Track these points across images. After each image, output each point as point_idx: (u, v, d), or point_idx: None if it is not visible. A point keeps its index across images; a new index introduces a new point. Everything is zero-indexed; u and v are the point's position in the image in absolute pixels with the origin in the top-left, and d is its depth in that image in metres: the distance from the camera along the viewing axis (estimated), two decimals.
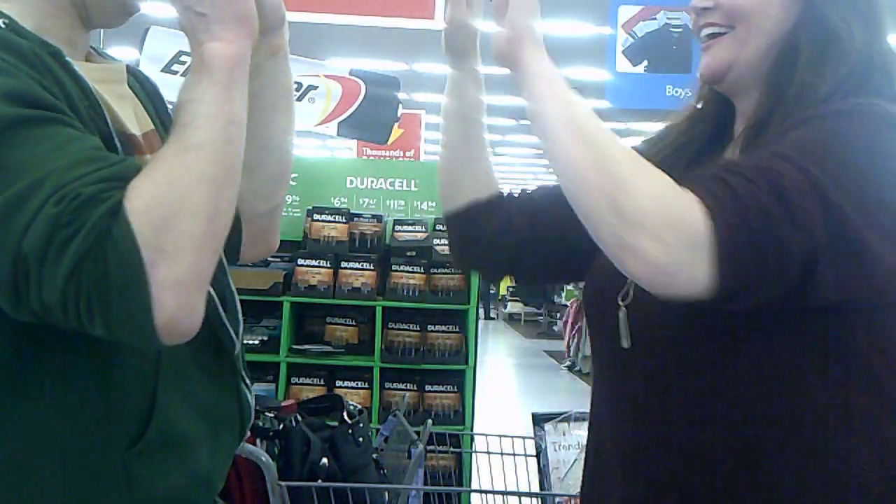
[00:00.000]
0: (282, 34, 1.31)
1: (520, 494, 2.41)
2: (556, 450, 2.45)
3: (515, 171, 24.87)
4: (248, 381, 1.27)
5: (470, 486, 3.60)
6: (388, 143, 5.72)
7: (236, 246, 1.33)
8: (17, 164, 0.93)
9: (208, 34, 1.03)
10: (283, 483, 2.14)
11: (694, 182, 1.07)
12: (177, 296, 0.92)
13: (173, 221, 0.93)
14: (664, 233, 1.02)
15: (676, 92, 6.19)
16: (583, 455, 2.43)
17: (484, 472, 2.83)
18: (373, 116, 4.43)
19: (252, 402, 1.28)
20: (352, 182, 4.74)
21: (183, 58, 4.09)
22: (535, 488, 2.55)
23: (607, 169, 1.05)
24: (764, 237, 1.03)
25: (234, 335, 1.22)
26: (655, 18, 6.16)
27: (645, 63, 6.09)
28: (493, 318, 18.41)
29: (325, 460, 2.25)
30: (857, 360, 1.15)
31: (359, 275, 4.08)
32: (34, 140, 0.95)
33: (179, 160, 0.96)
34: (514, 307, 17.94)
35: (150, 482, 1.11)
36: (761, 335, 1.14)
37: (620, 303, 1.23)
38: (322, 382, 4.07)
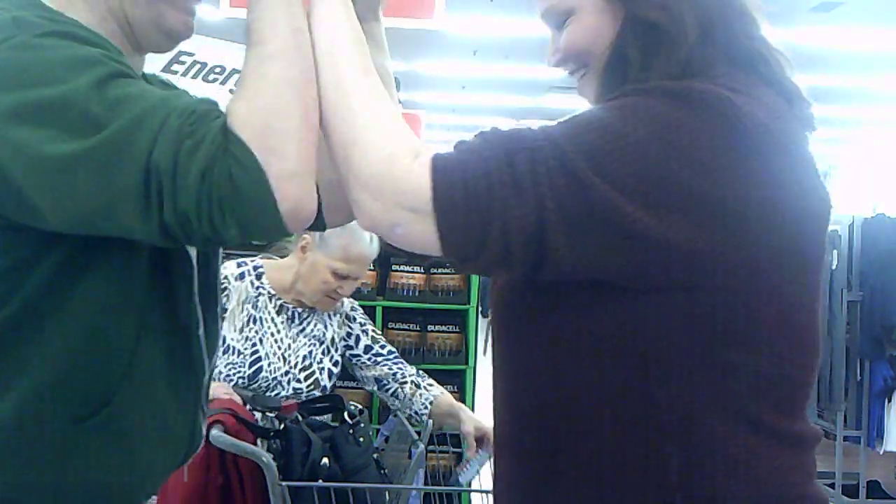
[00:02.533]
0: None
1: None
2: None
3: None
4: (204, 412, 1.34)
5: (470, 485, 3.60)
6: None
7: (319, 213, 1.37)
8: (128, 95, 1.03)
9: None
10: (283, 483, 2.14)
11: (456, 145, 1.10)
12: (293, 185, 1.03)
13: (272, 123, 1.04)
14: (385, 196, 1.07)
15: None
16: None
17: (484, 471, 2.83)
18: None
19: (202, 435, 1.34)
20: None
21: (182, 58, 4.10)
22: None
23: (346, 119, 1.10)
24: (483, 203, 1.04)
25: (206, 360, 1.30)
26: None
27: None
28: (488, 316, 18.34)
29: (325, 460, 2.25)
30: (649, 349, 1.10)
31: None
32: (133, 85, 1.06)
33: (261, 72, 1.07)
34: None
35: (85, 459, 1.16)
36: (561, 310, 1.14)
37: None
38: None
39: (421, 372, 2.95)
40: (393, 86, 1.35)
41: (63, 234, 1.08)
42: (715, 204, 1.05)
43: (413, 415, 2.84)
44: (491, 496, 2.60)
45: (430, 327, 4.13)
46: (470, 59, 11.01)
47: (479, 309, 4.17)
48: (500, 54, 10.19)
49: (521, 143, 1.06)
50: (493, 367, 1.29)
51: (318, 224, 1.40)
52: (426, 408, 2.81)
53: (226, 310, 2.70)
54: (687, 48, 1.14)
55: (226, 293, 2.72)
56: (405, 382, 2.86)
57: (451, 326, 4.14)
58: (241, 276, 2.75)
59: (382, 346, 2.92)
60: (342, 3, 1.17)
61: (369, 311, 4.13)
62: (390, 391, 2.87)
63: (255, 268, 2.80)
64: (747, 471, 1.10)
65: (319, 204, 1.36)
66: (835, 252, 5.40)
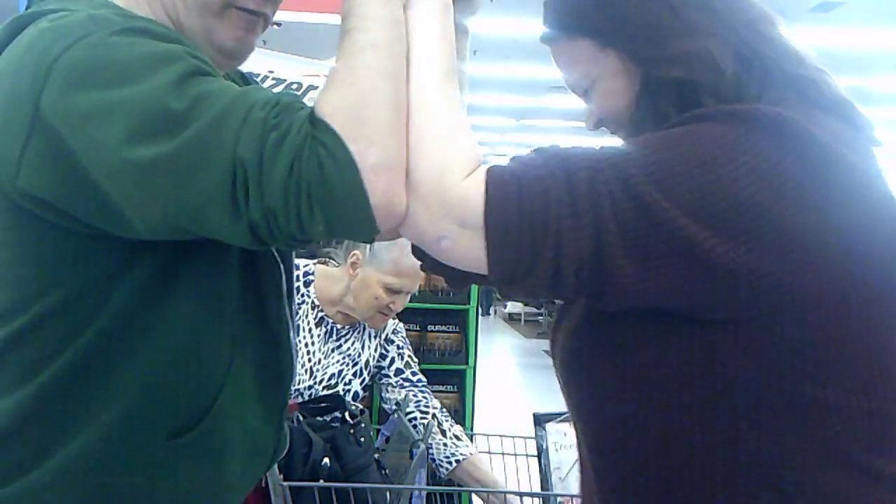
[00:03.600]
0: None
1: (521, 494, 2.41)
2: (557, 450, 2.45)
3: None
4: (285, 419, 1.30)
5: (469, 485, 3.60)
6: None
7: None
8: (209, 91, 0.99)
9: None
10: (284, 483, 2.14)
11: (512, 159, 1.06)
12: (387, 178, 0.98)
13: (368, 113, 0.99)
14: (434, 204, 1.02)
15: None
16: None
17: None
18: None
19: (286, 443, 1.30)
20: None
21: None
22: (536, 488, 2.54)
23: (418, 124, 1.05)
24: (538, 223, 0.99)
25: (294, 362, 1.27)
26: None
27: None
28: (489, 315, 18.45)
29: (326, 460, 2.25)
30: (731, 384, 1.04)
31: None
32: (212, 83, 1.02)
33: (358, 60, 1.03)
34: (514, 307, 17.93)
35: (173, 480, 1.13)
36: (630, 348, 1.09)
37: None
38: None
39: (444, 410, 2.91)
40: (466, 90, 1.30)
41: (150, 244, 1.05)
42: (791, 230, 1.00)
43: (431, 461, 2.80)
44: (491, 496, 2.60)
45: (430, 327, 4.13)
46: (470, 59, 10.99)
47: (479, 309, 4.17)
48: (500, 54, 10.19)
49: (582, 163, 1.02)
50: (570, 412, 1.23)
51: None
52: (451, 464, 2.76)
53: None
54: (726, 84, 1.11)
55: None
56: (426, 414, 2.83)
57: (451, 326, 4.14)
58: None
59: (413, 373, 2.88)
60: (445, 6, 1.13)
61: None
62: (410, 417, 2.83)
63: (306, 273, 2.75)
64: None
65: None
66: None
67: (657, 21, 1.13)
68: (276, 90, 1.32)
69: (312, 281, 2.73)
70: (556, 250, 0.99)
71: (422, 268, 1.27)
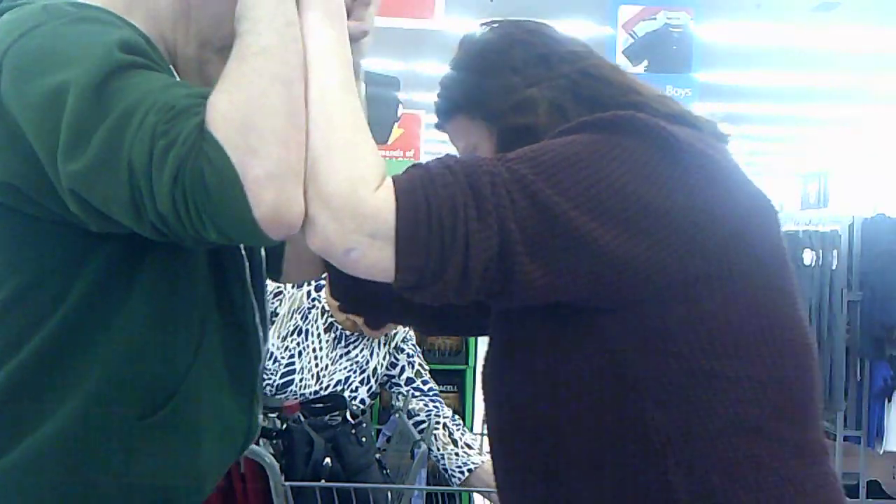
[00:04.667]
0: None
1: None
2: None
3: None
4: (259, 401, 1.32)
5: None
6: (389, 142, 5.73)
7: (278, 261, 1.37)
8: (122, 91, 0.99)
9: None
10: (286, 483, 2.15)
11: (410, 170, 1.09)
12: (273, 190, 0.97)
13: (254, 121, 0.97)
14: (344, 216, 1.03)
15: (676, 92, 6.20)
16: None
17: None
18: (373, 116, 4.43)
19: (259, 425, 1.31)
20: None
21: None
22: None
23: (322, 132, 1.05)
24: (447, 230, 1.04)
25: (262, 347, 1.29)
26: (655, 18, 6.16)
27: (645, 63, 6.10)
28: None
29: (328, 460, 2.25)
30: (633, 368, 1.11)
31: None
32: (138, 76, 1.01)
33: (248, 65, 1.01)
34: None
35: (148, 460, 1.15)
36: (540, 343, 1.16)
37: None
38: None
39: (456, 417, 2.91)
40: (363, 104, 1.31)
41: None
42: (665, 214, 1.09)
43: (442, 471, 2.79)
44: (492, 496, 2.60)
45: None
46: None
47: None
48: None
49: (483, 168, 1.08)
50: (484, 393, 1.28)
51: (274, 272, 1.37)
52: (462, 473, 2.76)
53: (276, 314, 2.65)
54: (566, 121, 1.20)
55: (279, 297, 2.68)
56: (438, 424, 2.82)
57: None
58: (300, 285, 2.68)
59: (424, 382, 2.87)
60: (338, 14, 1.13)
61: None
62: (421, 428, 2.81)
63: (318, 278, 2.69)
64: (755, 480, 1.10)
65: (282, 251, 1.36)
66: (835, 252, 5.40)
67: (503, 81, 1.27)
68: None
69: (323, 286, 2.71)
70: (465, 252, 1.04)
71: (340, 308, 1.35)
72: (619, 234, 1.07)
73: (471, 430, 3.92)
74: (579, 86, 1.25)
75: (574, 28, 9.20)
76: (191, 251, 1.15)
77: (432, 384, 2.91)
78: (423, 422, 2.82)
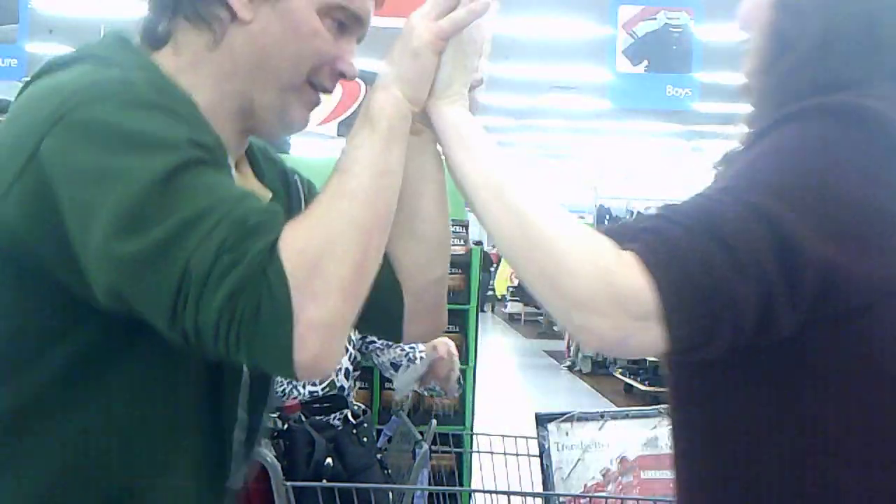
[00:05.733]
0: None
1: (524, 494, 2.42)
2: (558, 450, 2.46)
3: None
4: None
5: (470, 485, 3.61)
6: None
7: (398, 320, 1.30)
8: (191, 190, 0.97)
9: (381, 83, 1.11)
10: (287, 483, 2.15)
11: (629, 234, 1.05)
12: (320, 337, 0.95)
13: (324, 265, 0.96)
14: (611, 310, 1.01)
15: (676, 92, 6.20)
16: (585, 455, 2.45)
17: (485, 471, 2.84)
18: None
19: None
20: None
21: None
22: (537, 488, 2.55)
23: (541, 246, 1.05)
24: (711, 293, 1.01)
25: (242, 467, 1.23)
26: (655, 18, 6.16)
27: (645, 63, 6.10)
28: (484, 311, 18.53)
29: (329, 460, 2.26)
30: (835, 379, 1.10)
31: None
32: (207, 176, 1.00)
33: (333, 205, 1.01)
34: (514, 307, 17.95)
35: None
36: (716, 371, 1.13)
37: None
38: None
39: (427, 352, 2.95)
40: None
41: (103, 310, 1.03)
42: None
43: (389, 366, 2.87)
44: (493, 496, 2.61)
45: None
46: None
47: (478, 308, 4.18)
48: (500, 54, 10.18)
49: (721, 218, 1.03)
50: (674, 438, 1.26)
51: (394, 334, 1.32)
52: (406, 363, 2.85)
53: None
54: (805, 60, 1.16)
55: None
56: (414, 360, 2.85)
57: (451, 326, 4.14)
58: None
59: None
60: (474, 128, 1.15)
61: None
62: (398, 364, 2.86)
63: None
64: None
65: (401, 309, 1.29)
66: None
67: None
68: None
69: None
70: (734, 314, 1.02)
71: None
72: (863, 257, 1.04)
73: (470, 429, 3.93)
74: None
75: (574, 28, 9.22)
76: (186, 349, 1.09)
77: None
78: (405, 366, 2.85)
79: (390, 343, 2.86)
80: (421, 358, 2.83)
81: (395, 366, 2.88)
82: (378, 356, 2.89)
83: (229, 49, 1.14)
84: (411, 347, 2.88)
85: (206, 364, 1.12)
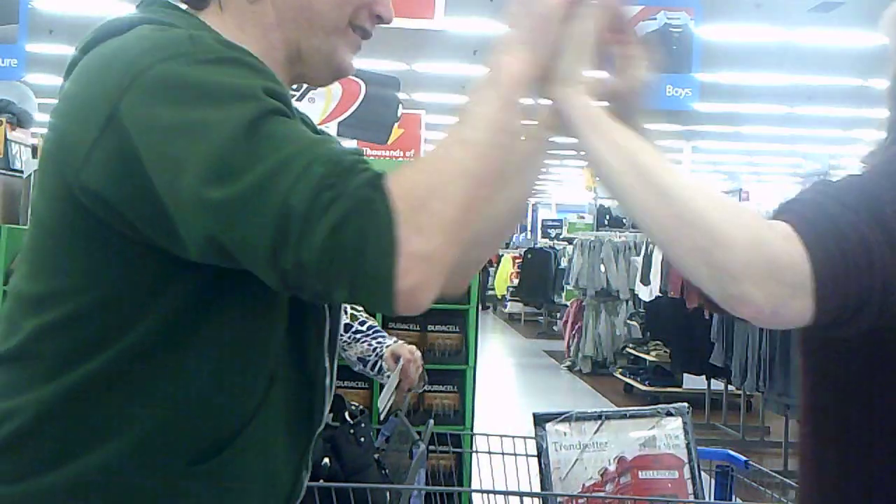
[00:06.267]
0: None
1: (522, 494, 2.41)
2: (557, 450, 2.45)
3: None
4: (308, 465, 1.28)
5: (470, 485, 3.61)
6: (389, 143, 5.72)
7: None
8: (275, 137, 0.99)
9: (505, 47, 1.12)
10: None
11: (793, 208, 1.08)
12: (421, 270, 0.97)
13: (430, 203, 0.98)
14: (766, 280, 1.03)
15: (676, 92, 6.19)
16: (584, 455, 2.44)
17: (485, 472, 2.83)
18: (373, 116, 4.44)
19: (303, 487, 1.28)
20: None
21: None
22: (536, 488, 2.55)
23: (691, 222, 1.07)
24: (864, 270, 1.04)
25: (326, 410, 1.26)
26: (655, 18, 6.16)
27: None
28: (487, 308, 18.52)
29: (326, 460, 2.25)
30: None
31: None
32: (286, 125, 1.02)
33: (447, 151, 1.04)
34: (514, 307, 17.94)
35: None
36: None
37: None
38: None
39: (398, 340, 2.96)
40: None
41: (196, 264, 1.05)
42: None
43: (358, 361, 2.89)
44: (492, 496, 2.60)
45: (430, 327, 4.13)
46: (470, 59, 11.00)
47: (479, 307, 4.18)
48: None
49: (882, 198, 1.07)
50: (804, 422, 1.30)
51: None
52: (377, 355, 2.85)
53: None
54: None
55: None
56: (381, 355, 2.86)
57: (451, 326, 4.14)
58: None
59: (362, 323, 2.89)
60: (622, 129, 1.17)
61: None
62: (376, 368, 2.85)
63: None
64: None
65: None
66: None
67: None
68: None
69: None
70: (884, 290, 1.05)
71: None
72: None
73: (470, 429, 3.92)
74: None
75: None
76: (274, 300, 1.12)
77: (371, 322, 2.92)
78: (374, 361, 2.85)
79: (357, 338, 2.85)
80: (386, 349, 2.85)
81: (363, 361, 2.87)
82: (345, 350, 2.87)
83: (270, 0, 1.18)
84: (378, 342, 2.88)
85: (291, 316, 1.15)
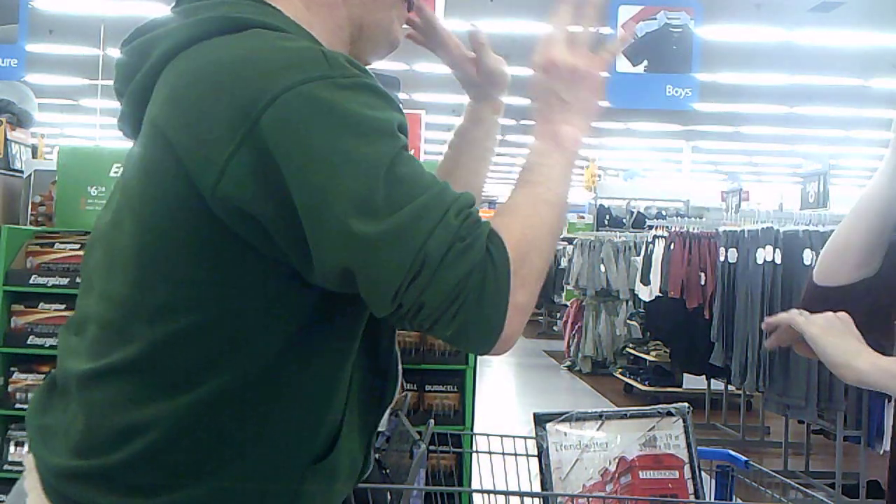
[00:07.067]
0: (503, 96, 1.61)
1: (522, 494, 2.41)
2: (557, 450, 2.45)
3: (516, 171, 24.85)
4: (373, 444, 1.34)
5: (470, 485, 3.61)
6: None
7: None
8: (414, 177, 1.07)
9: (563, 118, 1.21)
10: None
11: None
12: (520, 318, 1.09)
13: (530, 257, 1.10)
14: None
15: (676, 92, 6.19)
16: (584, 455, 2.44)
17: (485, 471, 2.83)
18: None
19: (371, 464, 1.35)
20: None
21: None
22: (536, 488, 2.55)
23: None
24: None
25: (396, 393, 1.33)
26: (655, 18, 6.16)
27: (645, 63, 6.09)
28: None
29: None
30: None
31: None
32: (414, 164, 1.10)
33: (536, 210, 1.15)
34: None
35: (308, 502, 1.19)
36: None
37: None
38: None
39: None
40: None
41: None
42: None
43: None
44: (492, 496, 2.60)
45: None
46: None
47: None
48: (500, 54, 10.18)
49: None
50: None
51: None
52: None
53: None
54: None
55: None
56: None
57: None
58: None
59: None
60: None
61: None
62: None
63: None
64: None
65: None
66: None
67: None
68: None
69: None
70: None
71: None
72: None
73: (470, 429, 3.92)
74: None
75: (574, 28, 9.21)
76: (363, 304, 1.16)
77: None
78: None
79: None
80: None
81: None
82: None
83: None
84: None
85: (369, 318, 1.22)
